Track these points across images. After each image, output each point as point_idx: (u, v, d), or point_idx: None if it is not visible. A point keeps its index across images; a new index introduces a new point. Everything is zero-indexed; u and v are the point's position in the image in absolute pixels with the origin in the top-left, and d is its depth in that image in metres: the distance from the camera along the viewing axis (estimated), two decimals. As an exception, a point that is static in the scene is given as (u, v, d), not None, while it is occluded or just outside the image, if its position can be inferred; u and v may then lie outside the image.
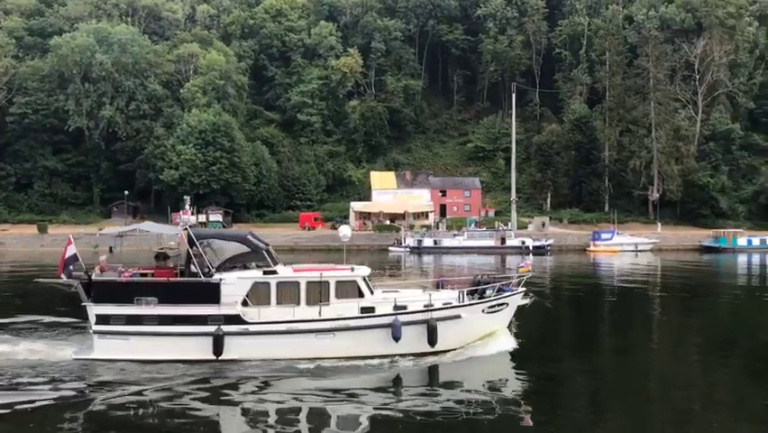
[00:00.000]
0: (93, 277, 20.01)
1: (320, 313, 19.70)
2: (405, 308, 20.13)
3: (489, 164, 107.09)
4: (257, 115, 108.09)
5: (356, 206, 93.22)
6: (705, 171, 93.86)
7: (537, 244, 76.13)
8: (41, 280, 21.81)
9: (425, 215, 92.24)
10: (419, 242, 76.33)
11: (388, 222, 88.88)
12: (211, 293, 19.48)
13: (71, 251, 20.28)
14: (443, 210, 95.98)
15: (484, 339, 20.74)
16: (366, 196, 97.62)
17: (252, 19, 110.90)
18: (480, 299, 21.12)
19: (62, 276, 20.02)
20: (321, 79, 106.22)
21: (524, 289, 21.87)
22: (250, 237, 21.32)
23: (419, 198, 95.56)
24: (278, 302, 19.71)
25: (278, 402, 16.27)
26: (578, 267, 60.76)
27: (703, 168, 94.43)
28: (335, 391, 17.05)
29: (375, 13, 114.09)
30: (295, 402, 16.25)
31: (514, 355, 20.09)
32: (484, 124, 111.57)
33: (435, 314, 19.98)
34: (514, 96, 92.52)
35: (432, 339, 19.72)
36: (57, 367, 18.80)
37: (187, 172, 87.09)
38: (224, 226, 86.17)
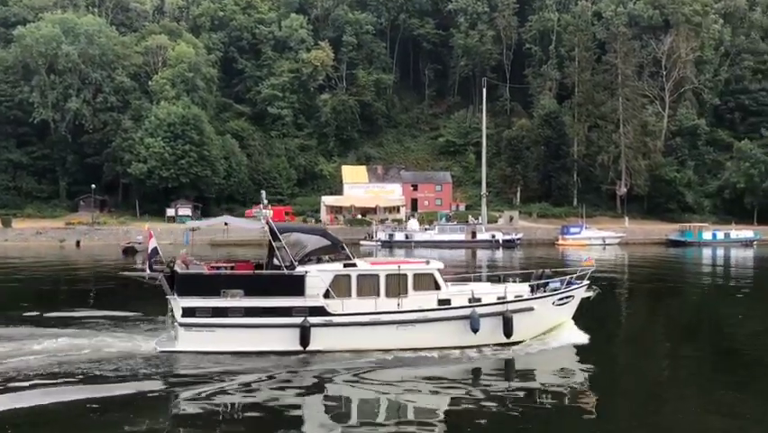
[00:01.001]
0: (178, 270, 20.08)
1: (399, 305, 19.97)
2: (479, 300, 20.48)
3: (459, 159, 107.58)
4: (227, 108, 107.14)
5: (327, 200, 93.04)
6: (671, 166, 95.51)
7: (507, 237, 76.84)
8: (125, 273, 21.36)
9: (397, 209, 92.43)
10: (390, 236, 76.46)
11: (359, 216, 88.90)
12: (296, 285, 19.70)
13: (152, 244, 20.55)
14: (414, 204, 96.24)
15: (553, 331, 21.31)
16: (337, 190, 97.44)
17: (222, 11, 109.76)
18: (544, 292, 21.58)
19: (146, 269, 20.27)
20: (292, 72, 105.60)
21: (588, 282, 22.33)
22: (329, 232, 21.73)
23: (391, 193, 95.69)
24: (359, 294, 19.98)
25: (362, 392, 16.57)
26: (546, 261, 61.32)
27: (670, 163, 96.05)
28: (417, 381, 17.31)
29: (346, 6, 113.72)
30: (378, 392, 16.49)
31: (584, 347, 20.46)
32: (455, 118, 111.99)
33: (511, 306, 20.41)
34: (484, 90, 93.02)
35: (508, 331, 20.11)
36: (143, 360, 18.84)
37: (156, 166, 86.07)
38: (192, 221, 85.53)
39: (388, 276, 20.08)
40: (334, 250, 21.06)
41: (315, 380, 17.32)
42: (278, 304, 19.57)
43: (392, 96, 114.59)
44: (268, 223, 20.46)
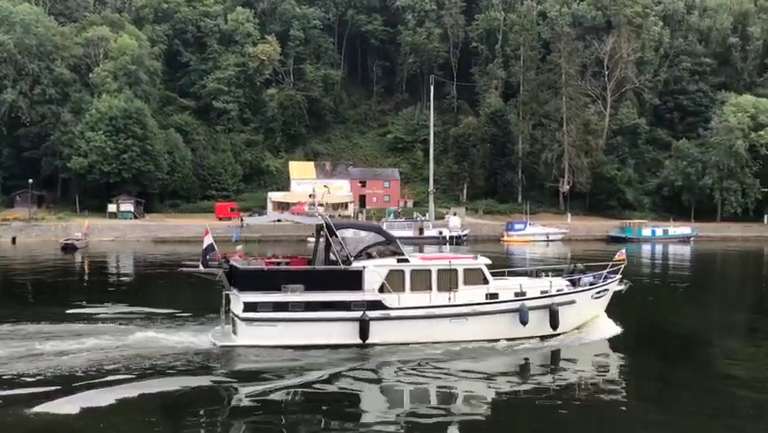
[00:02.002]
0: (239, 266, 20.48)
1: (450, 299, 20.66)
2: (525, 294, 21.33)
3: (407, 155, 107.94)
4: (171, 101, 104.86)
5: (274, 196, 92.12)
6: (612, 165, 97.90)
7: (454, 234, 77.50)
8: (184, 269, 21.75)
9: (345, 205, 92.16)
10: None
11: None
12: (354, 280, 20.20)
13: (208, 241, 20.88)
14: (362, 201, 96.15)
15: (589, 322, 22.47)
16: (284, 186, 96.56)
17: (166, 3, 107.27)
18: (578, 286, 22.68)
19: (200, 266, 20.67)
20: (238, 66, 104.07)
21: (620, 276, 23.36)
22: (383, 228, 22.60)
23: (339, 189, 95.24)
24: (412, 289, 20.54)
25: (420, 384, 17.15)
26: (491, 256, 62.06)
27: (611, 161, 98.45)
28: (471, 372, 18.03)
29: (293, 0, 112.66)
30: (434, 382, 17.14)
31: (620, 339, 21.54)
32: (403, 115, 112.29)
33: (556, 299, 21.39)
34: (432, 88, 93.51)
35: (554, 323, 21.15)
36: (205, 354, 19.14)
37: (97, 160, 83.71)
38: (135, 216, 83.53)
39: (439, 271, 20.83)
40: (388, 246, 21.69)
41: (376, 372, 17.95)
42: (337, 298, 20.05)
43: (340, 92, 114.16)
44: (324, 219, 21.09)
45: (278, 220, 26.83)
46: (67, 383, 16.30)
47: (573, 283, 22.73)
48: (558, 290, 21.93)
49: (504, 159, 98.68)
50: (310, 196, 21.08)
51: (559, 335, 21.32)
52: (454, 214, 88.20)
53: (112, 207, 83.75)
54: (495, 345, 20.33)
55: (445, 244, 74.66)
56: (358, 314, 19.82)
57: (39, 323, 22.50)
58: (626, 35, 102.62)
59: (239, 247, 22.85)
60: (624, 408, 15.70)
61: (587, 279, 22.95)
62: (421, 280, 20.64)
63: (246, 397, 16.04)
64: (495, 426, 14.47)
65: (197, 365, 18.16)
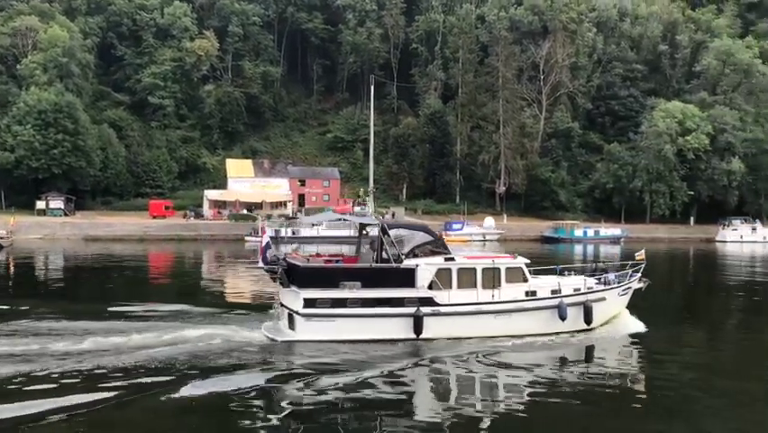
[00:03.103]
0: (300, 264, 21.56)
1: (493, 296, 21.75)
2: (560, 291, 22.54)
3: (347, 155, 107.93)
4: (104, 96, 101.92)
5: (211, 194, 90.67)
6: (547, 167, 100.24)
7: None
8: (247, 266, 22.52)
9: (284, 204, 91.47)
10: (277, 231, 75.58)
11: (244, 211, 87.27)
12: (408, 278, 21.13)
13: (266, 239, 22.38)
14: (301, 200, 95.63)
15: (614, 318, 23.85)
16: (221, 184, 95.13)
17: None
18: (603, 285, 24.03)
19: (261, 263, 21.79)
20: (174, 61, 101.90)
21: (639, 274, 24.83)
22: (431, 228, 24.05)
23: (277, 188, 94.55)
24: (459, 286, 21.53)
25: (471, 376, 18.16)
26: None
27: (545, 163, 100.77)
28: (518, 366, 19.08)
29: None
30: (485, 375, 18.22)
31: (646, 333, 23.12)
32: (343, 114, 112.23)
33: (590, 296, 22.76)
34: (372, 88, 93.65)
35: (588, 318, 22.43)
36: (267, 349, 19.89)
37: (25, 155, 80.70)
38: (65, 214, 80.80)
39: (484, 269, 21.89)
40: (436, 245, 22.56)
41: (431, 365, 18.92)
42: (392, 295, 20.98)
43: (280, 90, 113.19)
44: (380, 219, 22.15)
45: (345, 219, 27.58)
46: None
47: (602, 282, 24.21)
48: (588, 288, 23.33)
49: (443, 160, 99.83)
50: (359, 196, 21.89)
51: (591, 330, 22.78)
52: (393, 214, 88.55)
53: (40, 204, 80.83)
54: (536, 339, 21.62)
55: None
56: (412, 310, 20.82)
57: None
58: (562, 41, 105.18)
59: (294, 245, 24.31)
60: (662, 396, 16.84)
61: (610, 277, 24.33)
62: (467, 277, 21.69)
63: (309, 390, 16.69)
64: (543, 416, 15.39)
65: (261, 359, 18.94)
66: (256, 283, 35.08)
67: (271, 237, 78.32)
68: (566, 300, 22.10)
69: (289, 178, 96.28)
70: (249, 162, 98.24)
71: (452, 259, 21.89)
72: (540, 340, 21.56)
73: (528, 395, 16.60)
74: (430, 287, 21.23)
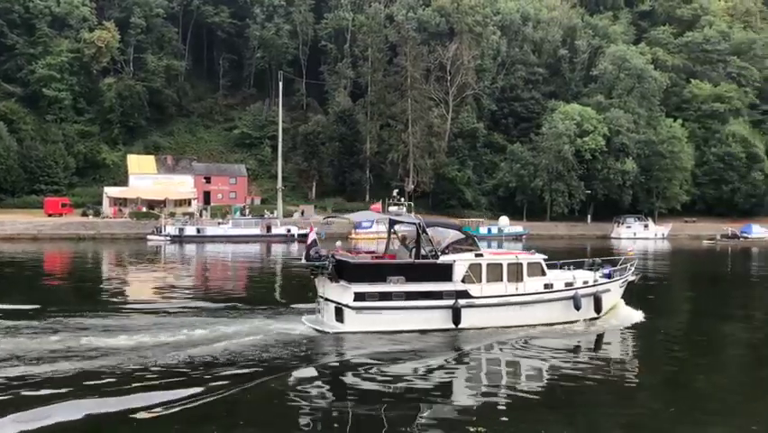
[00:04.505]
0: (350, 260, 23.31)
1: (517, 289, 23.84)
2: (572, 284, 24.86)
3: (255, 152, 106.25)
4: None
5: (111, 191, 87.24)
6: (453, 166, 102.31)
7: (302, 232, 77.34)
8: (299, 263, 24.42)
9: (188, 202, 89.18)
10: (181, 230, 73.69)
11: (146, 209, 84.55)
12: (446, 272, 23.08)
13: (312, 236, 23.78)
14: (207, 197, 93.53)
15: (615, 308, 26.29)
16: (122, 180, 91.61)
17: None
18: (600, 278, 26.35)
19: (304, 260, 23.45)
20: (72, 53, 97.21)
21: (633, 268, 27.63)
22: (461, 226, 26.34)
23: (181, 185, 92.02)
24: (488, 280, 23.49)
25: (510, 361, 20.43)
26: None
27: (452, 162, 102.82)
28: (547, 350, 21.33)
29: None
30: (521, 360, 20.49)
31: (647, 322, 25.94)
32: (251, 110, 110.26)
33: (599, 288, 25.21)
34: (281, 84, 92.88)
35: (598, 308, 24.90)
36: (321, 341, 21.45)
37: None
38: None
39: (509, 264, 24.04)
40: (467, 242, 24.85)
41: (470, 352, 21.07)
42: (433, 288, 22.80)
43: (184, 84, 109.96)
44: (418, 219, 24.11)
45: (379, 221, 28.74)
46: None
47: (610, 275, 26.62)
48: (594, 281, 25.64)
49: (352, 158, 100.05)
50: (396, 195, 25.98)
51: (598, 318, 25.10)
52: (302, 212, 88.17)
53: None
54: (555, 327, 23.95)
55: (293, 243, 74.47)
56: (450, 302, 22.69)
57: None
58: (467, 43, 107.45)
59: (338, 243, 26.83)
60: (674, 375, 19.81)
61: (607, 271, 26.63)
62: (494, 272, 23.70)
63: (375, 376, 17.98)
64: (574, 398, 17.04)
65: (314, 351, 20.51)
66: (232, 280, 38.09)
67: (173, 236, 76.83)
68: (580, 292, 24.53)
69: (194, 174, 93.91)
70: (151, 158, 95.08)
71: (482, 255, 24.12)
72: (559, 328, 23.98)
73: (563, 378, 18.45)
74: (463, 281, 23.15)
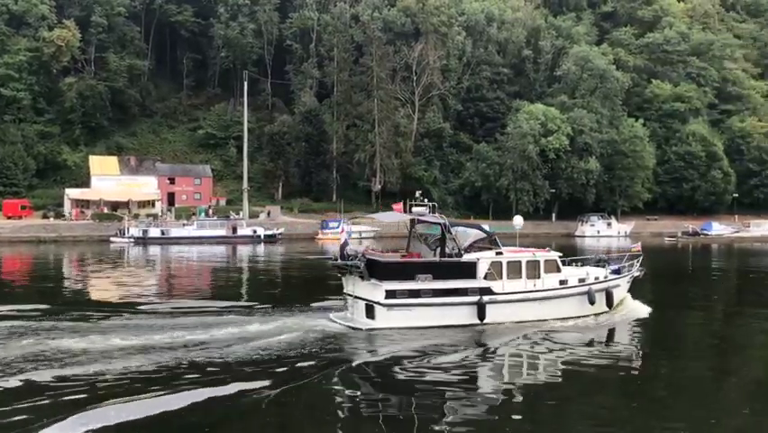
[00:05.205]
0: (381, 260, 24.01)
1: (534, 285, 24.87)
2: (584, 280, 26.01)
3: (220, 152, 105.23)
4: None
5: (72, 193, 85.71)
6: (420, 166, 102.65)
7: (268, 233, 77.04)
8: (333, 262, 25.10)
9: (152, 203, 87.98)
10: (144, 232, 72.66)
11: (109, 211, 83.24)
12: (471, 270, 24.10)
13: (344, 237, 25.13)
14: (171, 199, 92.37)
15: (623, 302, 27.58)
16: (84, 182, 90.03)
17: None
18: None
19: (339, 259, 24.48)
20: (31, 51, 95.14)
21: (638, 264, 28.70)
22: (483, 226, 27.41)
23: (145, 186, 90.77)
24: (508, 277, 24.40)
25: (534, 354, 21.49)
26: (309, 254, 62.57)
27: (418, 162, 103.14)
28: (564, 344, 22.48)
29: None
30: (545, 352, 21.55)
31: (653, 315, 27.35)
32: (215, 110, 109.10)
33: (610, 283, 26.55)
34: (246, 84, 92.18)
35: (609, 302, 26.25)
36: (354, 337, 22.38)
37: None
38: None
39: (527, 262, 25.00)
40: (488, 241, 25.50)
41: (496, 346, 22.00)
42: (459, 286, 23.78)
43: (147, 84, 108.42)
44: (443, 219, 24.94)
45: (422, 222, 28.33)
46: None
47: (619, 271, 27.79)
48: (605, 277, 26.85)
49: (319, 158, 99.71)
50: (419, 196, 27.01)
51: (608, 312, 26.36)
52: (268, 213, 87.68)
53: None
54: (572, 321, 25.07)
55: (260, 244, 73.96)
56: (475, 298, 23.65)
57: None
58: (433, 43, 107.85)
59: (367, 243, 26.18)
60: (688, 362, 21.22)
61: (615, 267, 27.78)
62: (514, 269, 24.62)
63: (399, 370, 18.81)
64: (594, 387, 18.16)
65: (354, 346, 21.47)
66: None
67: (136, 238, 75.65)
68: (594, 287, 25.70)
69: (158, 175, 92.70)
70: (114, 159, 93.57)
71: (502, 253, 24.95)
72: (575, 322, 25.11)
73: (585, 368, 19.60)
74: (485, 278, 24.12)
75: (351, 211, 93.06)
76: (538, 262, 25.21)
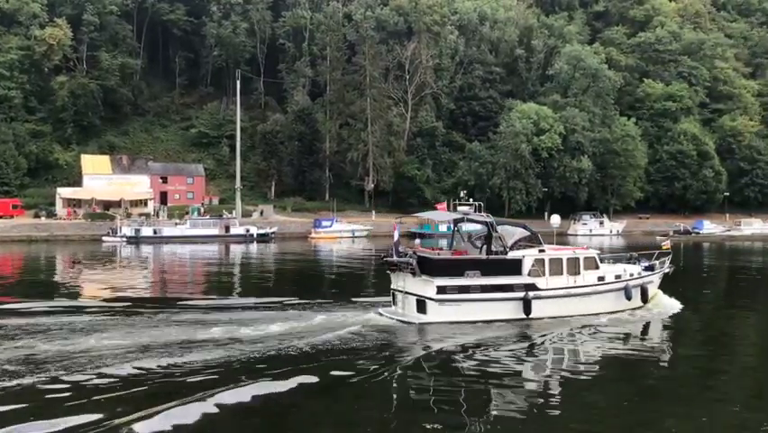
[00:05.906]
0: (432, 257, 25.02)
1: (575, 281, 25.74)
2: (620, 276, 26.85)
3: (213, 151, 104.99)
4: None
5: (64, 192, 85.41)
6: (413, 164, 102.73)
7: (261, 231, 77.01)
8: (387, 259, 25.64)
9: (144, 202, 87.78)
10: (137, 231, 72.51)
11: (101, 210, 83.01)
12: (516, 267, 24.97)
13: (397, 235, 26.21)
14: (164, 198, 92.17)
15: (655, 297, 28.33)
16: (76, 181, 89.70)
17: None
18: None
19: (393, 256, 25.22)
20: (22, 50, 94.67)
21: (668, 261, 29.69)
22: (527, 225, 27.80)
23: (137, 185, 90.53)
24: (550, 274, 25.30)
25: (577, 347, 22.50)
26: (300, 252, 62.65)
27: (411, 161, 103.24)
28: (606, 337, 23.45)
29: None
30: (587, 345, 22.59)
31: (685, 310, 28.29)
32: (208, 109, 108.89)
33: (645, 279, 27.45)
34: (239, 83, 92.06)
35: (645, 298, 27.22)
36: (409, 330, 23.26)
37: None
38: None
39: (568, 259, 25.99)
40: (532, 239, 26.29)
41: (541, 339, 22.62)
42: (505, 282, 24.68)
43: (139, 83, 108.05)
44: (489, 218, 25.79)
45: (455, 221, 28.73)
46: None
47: (652, 268, 28.71)
48: (639, 273, 27.68)
49: (312, 157, 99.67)
50: (464, 196, 29.48)
51: (643, 307, 27.23)
52: (261, 212, 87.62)
53: None
54: (609, 316, 25.80)
55: (252, 243, 73.95)
56: (521, 294, 24.53)
57: None
58: (426, 42, 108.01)
59: (417, 241, 30.83)
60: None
61: (647, 264, 28.66)
62: (556, 266, 25.52)
63: (454, 361, 19.81)
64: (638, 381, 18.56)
65: (409, 339, 22.32)
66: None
67: (129, 237, 75.34)
68: (630, 283, 26.60)
69: (150, 174, 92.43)
70: (106, 158, 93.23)
71: (544, 251, 25.83)
72: (613, 316, 25.84)
73: (625, 362, 20.49)
74: (530, 274, 24.96)
75: (343, 210, 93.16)
76: (578, 259, 26.22)
